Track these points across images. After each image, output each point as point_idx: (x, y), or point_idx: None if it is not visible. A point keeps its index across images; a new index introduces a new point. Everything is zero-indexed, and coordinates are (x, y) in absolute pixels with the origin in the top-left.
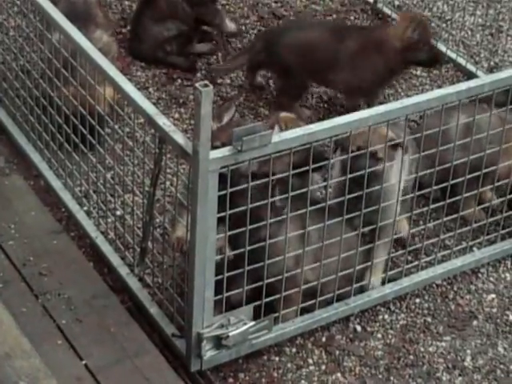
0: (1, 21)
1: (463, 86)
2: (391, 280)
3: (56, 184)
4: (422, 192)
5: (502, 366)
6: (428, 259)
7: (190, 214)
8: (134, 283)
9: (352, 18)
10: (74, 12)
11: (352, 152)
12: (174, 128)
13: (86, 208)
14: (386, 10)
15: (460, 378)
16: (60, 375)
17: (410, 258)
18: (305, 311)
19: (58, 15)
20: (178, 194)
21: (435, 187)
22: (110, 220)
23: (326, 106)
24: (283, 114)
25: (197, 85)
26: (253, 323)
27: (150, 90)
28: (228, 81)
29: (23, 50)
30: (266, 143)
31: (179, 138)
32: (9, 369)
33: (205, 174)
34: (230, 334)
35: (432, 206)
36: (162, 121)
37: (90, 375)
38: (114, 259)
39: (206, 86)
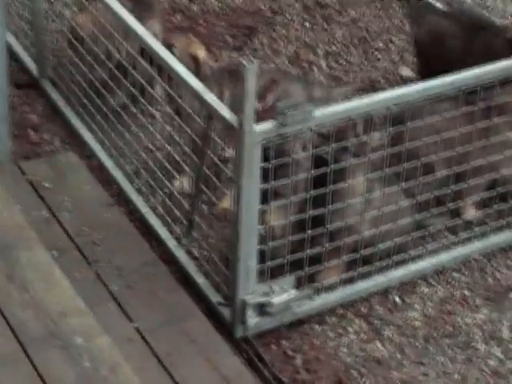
0: (60, 8)
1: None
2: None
3: (108, 163)
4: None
5: None
6: (466, 235)
7: (236, 185)
8: (181, 255)
9: (395, 6)
10: None
11: None
12: (220, 103)
13: (136, 185)
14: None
15: (497, 348)
16: (112, 335)
17: (447, 233)
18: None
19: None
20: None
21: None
22: (158, 196)
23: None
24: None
25: (242, 61)
26: (295, 291)
27: None
28: (273, 66)
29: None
30: (308, 117)
31: (225, 112)
32: (64, 326)
33: (250, 147)
34: (273, 301)
35: (471, 183)
36: (209, 97)
37: (139, 336)
38: (163, 232)
39: (251, 62)
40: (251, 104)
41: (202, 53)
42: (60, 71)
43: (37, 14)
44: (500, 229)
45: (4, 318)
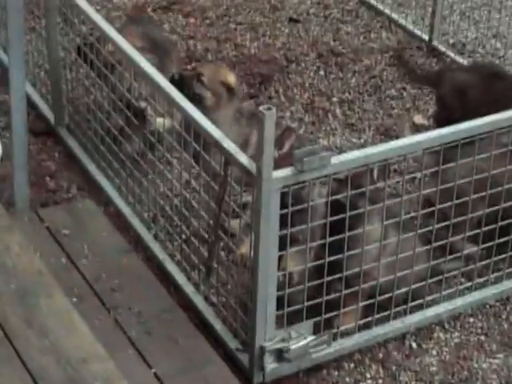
0: (73, 59)
1: None
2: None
3: (126, 210)
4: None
5: None
6: (481, 280)
7: (254, 231)
8: (199, 301)
9: (408, 55)
10: (153, 45)
11: None
12: (238, 150)
13: (153, 232)
14: (441, 48)
15: None
16: (131, 382)
17: (463, 279)
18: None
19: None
20: (242, 214)
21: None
22: (176, 243)
23: (382, 137)
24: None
25: (261, 108)
26: (313, 337)
27: None
28: (288, 113)
29: (94, 85)
30: (325, 164)
31: (244, 159)
32: (84, 371)
33: (268, 193)
34: (291, 347)
35: (485, 229)
36: (228, 144)
37: (158, 382)
38: (180, 278)
39: (269, 109)
40: (269, 151)
41: (232, 78)
42: (76, 118)
43: (54, 62)
44: None
45: (23, 363)
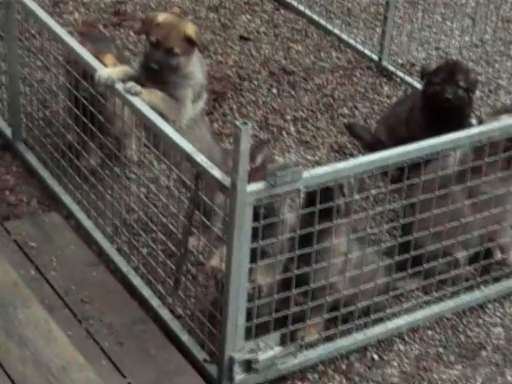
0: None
1: (476, 130)
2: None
3: (87, 223)
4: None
5: None
6: (439, 295)
7: (226, 243)
8: (165, 313)
9: (358, 74)
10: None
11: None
12: (211, 164)
13: (116, 246)
14: (391, 68)
15: None
16: None
17: (420, 293)
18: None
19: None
20: (213, 227)
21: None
22: (140, 256)
23: (336, 154)
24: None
25: (237, 122)
26: (280, 348)
27: None
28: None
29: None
30: (297, 179)
31: (217, 173)
32: (65, 380)
33: (242, 207)
34: (260, 358)
35: (445, 243)
36: (200, 158)
37: None
38: (146, 292)
39: (245, 123)
40: (244, 165)
41: (191, 30)
42: (34, 132)
43: (12, 77)
44: (470, 288)
45: (6, 373)
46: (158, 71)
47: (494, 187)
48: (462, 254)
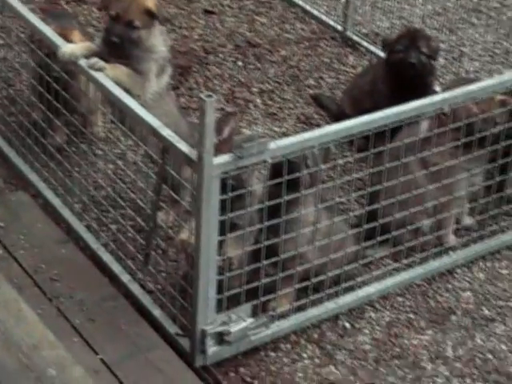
0: None
1: (439, 97)
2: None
3: (55, 201)
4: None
5: (480, 355)
6: (408, 261)
7: (195, 217)
8: (136, 288)
9: (323, 45)
10: None
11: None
12: (177, 138)
13: (85, 223)
14: (355, 38)
15: (443, 367)
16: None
17: (389, 261)
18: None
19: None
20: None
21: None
22: (109, 232)
23: (303, 125)
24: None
25: (201, 95)
26: (252, 320)
27: None
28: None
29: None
30: (263, 150)
31: (183, 147)
32: (37, 358)
33: (209, 179)
34: (232, 330)
35: (412, 210)
36: (167, 132)
37: (106, 368)
38: (116, 268)
39: (209, 96)
40: (210, 137)
41: (150, 2)
42: None
43: None
44: (439, 254)
45: None
46: (119, 45)
47: (445, 158)
48: (425, 223)
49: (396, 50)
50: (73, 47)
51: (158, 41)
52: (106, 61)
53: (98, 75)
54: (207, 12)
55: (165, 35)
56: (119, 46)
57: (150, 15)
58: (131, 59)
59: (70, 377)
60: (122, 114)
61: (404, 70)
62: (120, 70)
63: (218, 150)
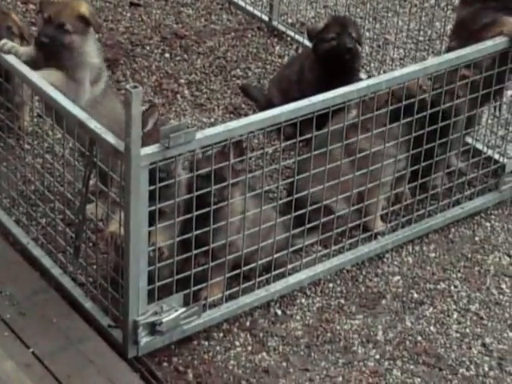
0: None
1: (363, 83)
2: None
3: None
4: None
5: (410, 338)
6: (337, 247)
7: (124, 208)
8: (67, 282)
9: (249, 35)
10: None
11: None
12: (104, 130)
13: (14, 217)
14: (281, 28)
15: (374, 351)
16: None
17: (320, 247)
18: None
19: None
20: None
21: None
22: (39, 226)
23: (231, 115)
24: None
25: (127, 86)
26: (184, 309)
27: None
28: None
29: None
30: (190, 139)
31: (110, 138)
32: None
33: (137, 170)
34: (164, 320)
35: (342, 196)
36: (94, 124)
37: (37, 362)
38: (46, 261)
39: (135, 87)
40: (137, 128)
41: (85, 9)
42: None
43: None
44: (368, 239)
45: None
46: (50, 47)
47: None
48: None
49: (327, 39)
50: (16, 44)
51: (92, 48)
52: (39, 67)
53: (24, 69)
54: (133, 4)
55: (98, 44)
56: (51, 50)
57: (84, 21)
58: (65, 66)
59: (2, 371)
60: (48, 107)
61: (339, 57)
62: (54, 75)
63: (144, 142)
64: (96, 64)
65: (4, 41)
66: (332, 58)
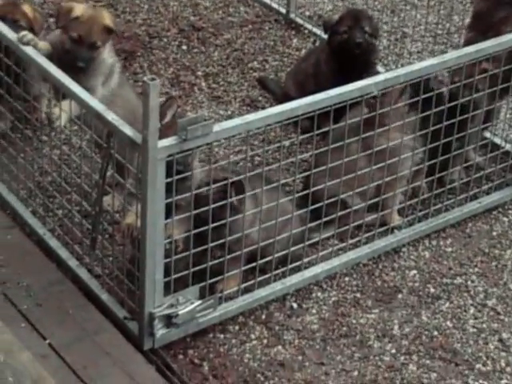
0: None
1: (381, 77)
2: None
3: (0, 187)
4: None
5: (426, 332)
6: (354, 241)
7: (140, 200)
8: (83, 273)
9: (267, 28)
10: None
11: None
12: (122, 122)
13: (30, 208)
14: (299, 20)
15: (390, 345)
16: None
17: (336, 241)
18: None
19: None
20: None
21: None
22: (56, 218)
23: (248, 108)
24: None
25: (145, 78)
26: (199, 302)
27: None
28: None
29: None
30: (208, 132)
31: (128, 130)
32: None
33: (154, 162)
34: (180, 312)
35: (357, 190)
36: (111, 116)
37: (54, 353)
38: (63, 253)
39: (153, 79)
40: (155, 120)
41: (109, 20)
42: None
43: None
44: (385, 233)
45: None
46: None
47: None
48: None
49: (340, 32)
50: (35, 38)
51: (108, 54)
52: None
53: (42, 60)
54: None
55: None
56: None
57: (109, 32)
58: (79, 74)
59: (18, 362)
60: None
61: (350, 50)
62: None
63: (163, 134)
64: (108, 66)
65: (24, 32)
66: (343, 51)
